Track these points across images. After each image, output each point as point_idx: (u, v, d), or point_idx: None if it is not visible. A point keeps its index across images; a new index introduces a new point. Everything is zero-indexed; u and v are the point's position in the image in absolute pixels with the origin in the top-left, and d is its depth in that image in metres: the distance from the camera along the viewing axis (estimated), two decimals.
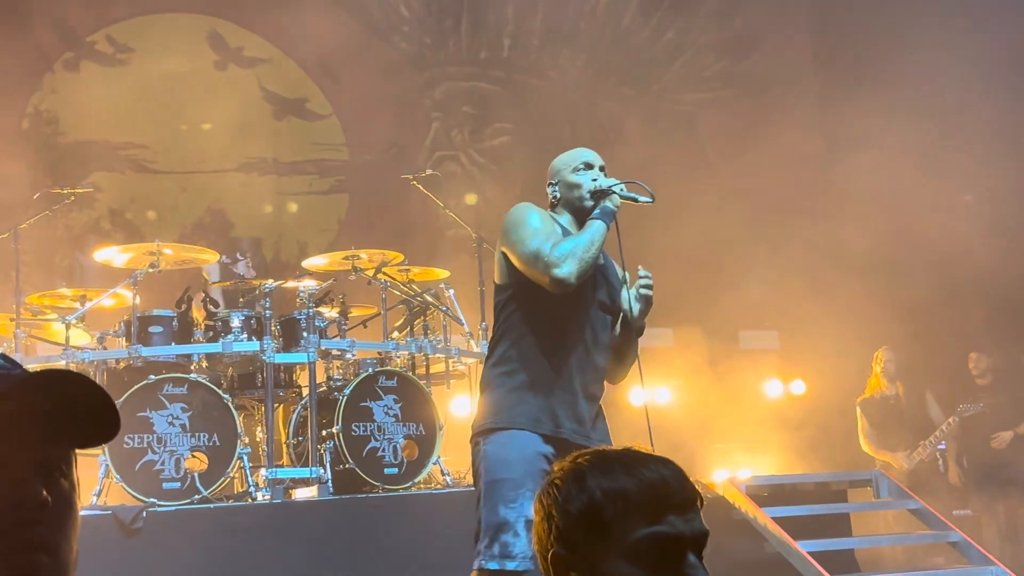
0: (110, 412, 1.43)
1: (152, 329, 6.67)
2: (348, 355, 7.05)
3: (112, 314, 7.30)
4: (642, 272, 4.28)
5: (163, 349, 6.63)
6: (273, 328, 6.74)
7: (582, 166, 4.34)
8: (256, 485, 6.43)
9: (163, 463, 6.16)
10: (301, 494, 6.52)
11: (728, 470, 8.84)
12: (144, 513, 5.80)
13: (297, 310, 6.86)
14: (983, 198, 9.79)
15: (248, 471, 6.46)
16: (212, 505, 6.10)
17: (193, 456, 6.22)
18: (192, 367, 6.75)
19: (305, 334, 6.69)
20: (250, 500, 6.32)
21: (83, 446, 1.47)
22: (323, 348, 6.77)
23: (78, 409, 1.41)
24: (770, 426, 10.10)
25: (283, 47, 11.38)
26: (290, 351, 6.75)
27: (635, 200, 4.21)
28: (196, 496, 6.12)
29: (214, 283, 7.47)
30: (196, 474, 6.18)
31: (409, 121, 11.68)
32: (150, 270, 6.78)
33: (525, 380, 4.09)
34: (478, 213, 11.02)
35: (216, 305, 7.04)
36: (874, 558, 8.21)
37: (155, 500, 6.01)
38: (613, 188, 4.21)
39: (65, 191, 7.37)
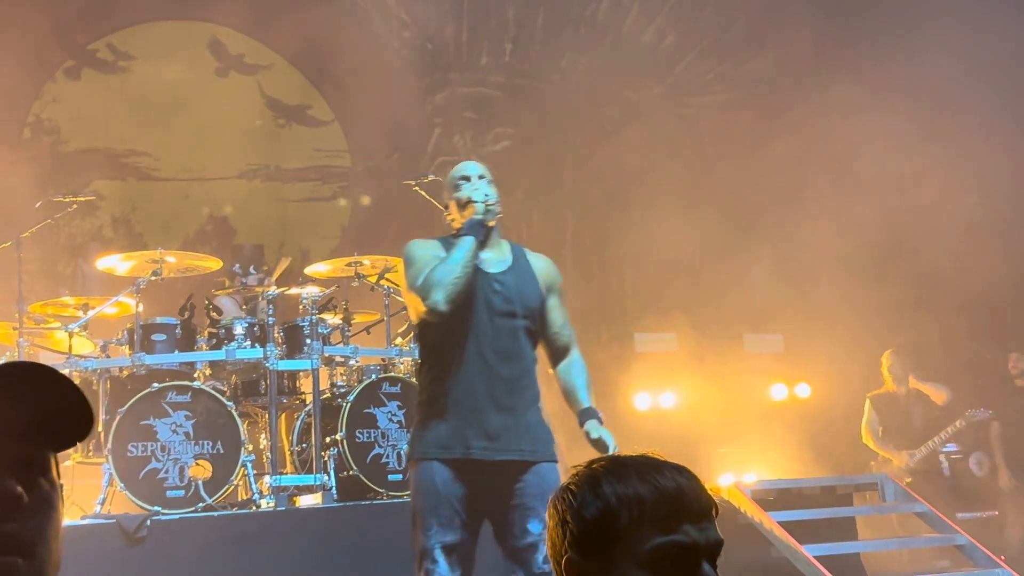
0: (82, 408, 1.40)
1: (155, 337, 6.66)
2: (351, 361, 7.04)
3: (115, 322, 7.29)
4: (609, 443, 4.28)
5: (166, 357, 6.62)
6: (276, 335, 6.72)
7: (460, 181, 4.38)
8: (260, 493, 6.42)
9: (167, 471, 6.14)
10: (305, 501, 6.51)
11: (733, 474, 8.82)
12: (148, 521, 5.79)
13: (300, 317, 6.85)
14: (986, 199, 9.77)
15: (252, 479, 6.44)
16: (216, 513, 6.08)
17: (197, 464, 6.20)
18: (196, 375, 6.74)
19: (308, 341, 6.68)
20: (254, 508, 6.31)
21: (58, 444, 1.43)
22: (326, 355, 6.75)
23: (49, 405, 1.37)
24: (775, 429, 10.08)
25: (284, 54, 11.38)
26: (293, 358, 6.73)
27: (494, 211, 4.28)
28: (200, 504, 6.10)
29: (217, 291, 7.45)
30: (200, 482, 6.16)
31: (411, 127, 11.67)
32: (153, 278, 6.76)
33: (433, 408, 4.20)
34: None
35: (219, 312, 7.03)
36: (880, 562, 8.20)
37: (159, 508, 6.00)
38: (474, 198, 4.25)
39: (67, 199, 7.35)
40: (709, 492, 1.77)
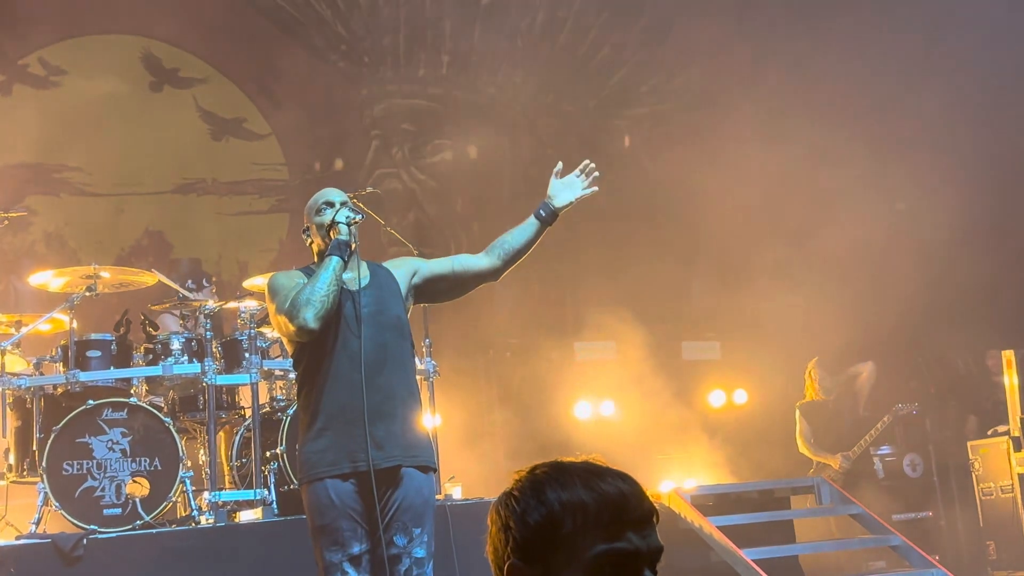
0: None
1: (90, 353, 6.57)
2: (291, 375, 7.01)
3: (49, 339, 7.18)
4: (590, 164, 4.57)
5: (102, 373, 6.53)
6: (214, 350, 6.67)
7: (324, 206, 4.50)
8: (199, 509, 6.36)
9: (103, 489, 6.07)
10: (246, 516, 6.46)
11: (673, 480, 8.91)
12: (85, 540, 5.72)
13: (239, 331, 6.81)
14: (918, 206, 9.97)
15: (191, 495, 6.38)
16: (155, 531, 6.03)
17: (134, 481, 6.14)
18: (132, 391, 6.66)
19: (247, 355, 6.64)
20: (193, 524, 6.25)
21: None
22: (266, 368, 6.72)
23: None
24: (714, 435, 10.20)
25: (219, 67, 11.31)
26: (232, 372, 6.68)
27: (356, 220, 4.41)
28: (138, 522, 6.04)
29: (153, 306, 7.38)
30: (138, 499, 6.09)
31: (349, 139, 11.66)
32: (87, 294, 6.67)
33: (315, 428, 4.30)
34: (420, 230, 11.01)
35: (155, 328, 6.96)
36: (818, 563, 8.32)
37: (96, 527, 5.92)
38: (337, 219, 4.38)
39: None
40: (651, 499, 1.80)
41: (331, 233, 4.40)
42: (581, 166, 4.62)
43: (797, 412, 9.33)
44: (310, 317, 4.18)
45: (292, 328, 4.23)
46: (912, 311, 9.61)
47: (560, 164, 4.64)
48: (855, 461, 9.04)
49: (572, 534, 1.72)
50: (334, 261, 4.28)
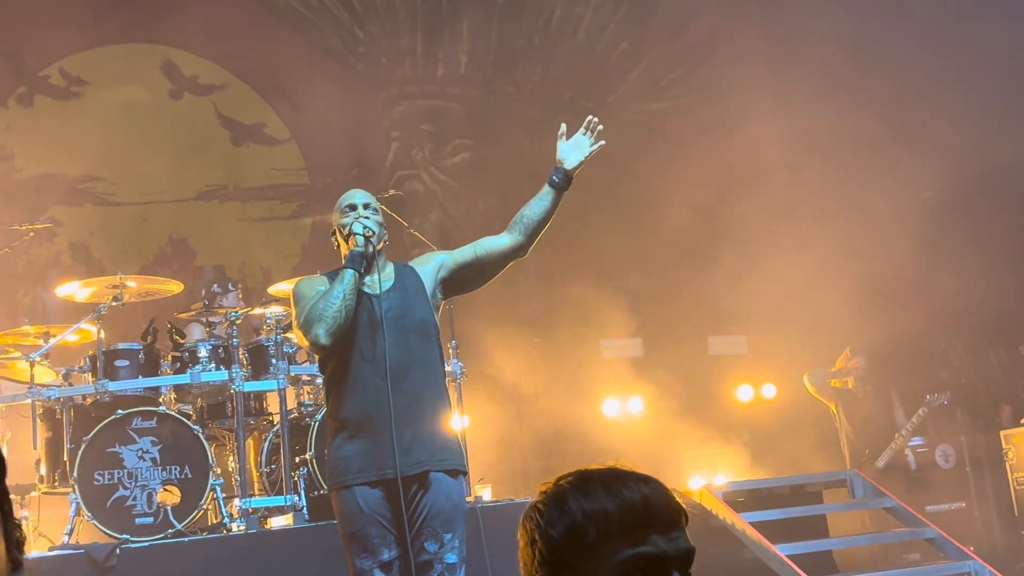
0: None
1: (118, 363, 6.59)
2: (319, 380, 7.00)
3: (77, 349, 7.21)
4: (594, 119, 4.55)
5: (130, 383, 6.55)
6: (241, 356, 6.68)
7: (347, 208, 4.47)
8: (230, 516, 6.37)
9: (135, 498, 6.09)
10: (276, 523, 6.47)
11: (704, 477, 8.86)
12: (118, 550, 5.73)
13: (264, 336, 6.81)
14: (941, 196, 9.88)
15: (222, 502, 6.39)
16: (186, 539, 6.03)
17: (165, 490, 6.15)
18: (161, 399, 6.67)
19: (274, 361, 6.64)
20: (225, 531, 6.26)
21: None
22: (293, 374, 6.71)
23: None
24: (743, 430, 10.14)
25: (238, 73, 11.32)
26: (259, 379, 6.69)
27: (371, 241, 4.37)
28: (170, 530, 6.05)
29: (180, 314, 7.39)
30: (169, 508, 6.11)
31: (369, 142, 11.64)
32: (114, 303, 6.69)
33: (343, 435, 4.30)
34: (443, 230, 11.00)
35: (182, 336, 6.97)
36: (852, 558, 8.26)
37: (128, 536, 5.94)
38: (354, 229, 4.34)
39: (24, 227, 7.28)
40: (677, 500, 1.77)
41: (348, 243, 4.38)
42: (585, 123, 4.57)
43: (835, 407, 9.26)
44: (321, 333, 4.19)
45: (306, 343, 4.29)
46: (943, 301, 9.52)
47: (564, 126, 4.60)
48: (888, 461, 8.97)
49: (596, 542, 1.71)
50: (348, 275, 4.27)
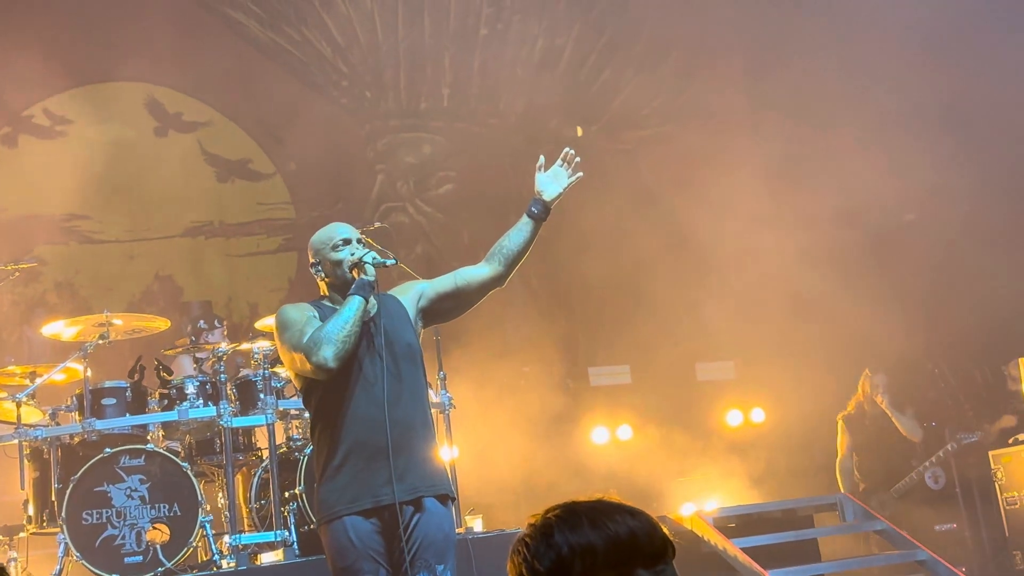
0: None
1: (105, 401, 6.57)
2: (307, 414, 6.98)
3: (64, 389, 7.19)
4: (570, 151, 4.57)
5: (118, 421, 6.53)
6: (229, 392, 6.67)
7: (340, 243, 4.45)
8: (220, 553, 6.34)
9: (124, 537, 6.06)
10: (267, 559, 6.43)
11: (694, 503, 8.85)
12: None
13: (252, 372, 6.80)
14: (926, 217, 9.95)
15: (211, 539, 6.36)
16: None
17: (154, 528, 6.13)
18: (149, 437, 6.65)
19: (262, 396, 6.63)
20: (215, 568, 6.23)
21: None
22: (281, 408, 6.71)
23: None
24: (733, 455, 10.14)
25: (222, 109, 11.36)
26: (248, 414, 6.68)
27: (385, 265, 4.38)
28: (160, 569, 6.02)
29: (167, 351, 7.38)
30: (158, 546, 6.08)
31: (353, 175, 11.68)
32: (100, 342, 6.69)
33: (335, 465, 4.25)
34: (429, 262, 11.02)
35: (169, 373, 6.96)
36: None
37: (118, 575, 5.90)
38: (364, 259, 4.34)
39: (9, 267, 7.27)
40: (664, 532, 1.78)
41: (354, 272, 4.37)
42: (562, 155, 4.61)
43: (839, 424, 9.18)
44: (330, 356, 4.12)
45: (308, 366, 4.17)
46: (928, 321, 9.56)
47: (542, 158, 4.63)
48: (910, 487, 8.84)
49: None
50: (357, 301, 4.24)
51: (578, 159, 4.59)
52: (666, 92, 11.95)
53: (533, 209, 4.53)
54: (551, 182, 4.56)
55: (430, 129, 11.95)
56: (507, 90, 11.90)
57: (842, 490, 8.77)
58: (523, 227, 4.53)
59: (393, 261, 4.40)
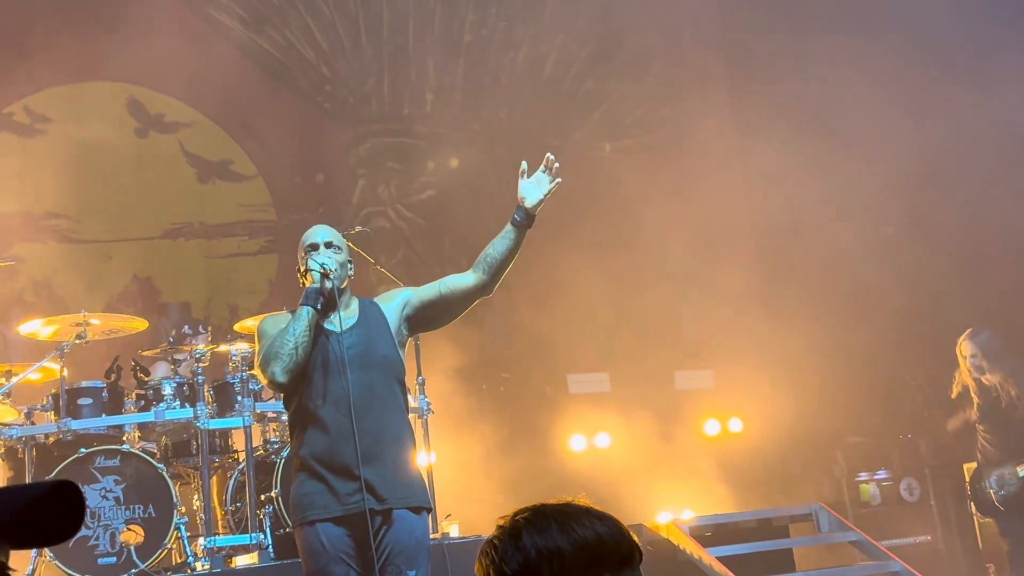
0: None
1: (81, 401, 6.54)
2: (284, 417, 6.97)
3: (39, 388, 7.14)
4: (550, 157, 4.53)
5: (93, 421, 6.50)
6: (206, 393, 6.65)
7: (309, 249, 4.49)
8: (195, 555, 6.31)
9: (97, 538, 6.03)
10: (242, 561, 6.41)
11: (671, 511, 8.87)
12: None
13: (230, 374, 6.78)
14: (903, 230, 10.01)
15: (186, 541, 6.33)
16: None
17: (129, 529, 6.10)
18: (124, 438, 6.62)
19: (239, 398, 6.62)
20: (189, 571, 6.20)
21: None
22: (258, 411, 6.69)
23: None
24: (710, 465, 10.16)
25: (204, 110, 11.32)
26: (225, 416, 6.66)
27: (326, 271, 4.35)
28: (133, 570, 5.99)
29: (144, 352, 7.35)
30: (132, 547, 6.05)
31: (335, 179, 11.67)
32: (77, 341, 6.65)
33: (306, 472, 4.30)
34: (409, 267, 11.01)
35: (146, 373, 6.93)
36: None
37: None
38: (310, 267, 4.37)
39: None
40: (632, 538, 1.79)
41: (305, 279, 4.39)
42: (544, 161, 4.59)
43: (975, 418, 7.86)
44: (278, 371, 4.21)
45: (265, 381, 4.32)
46: (907, 333, 9.62)
47: (525, 164, 4.62)
48: None
49: None
50: (304, 312, 4.29)
51: (557, 165, 4.58)
52: (649, 103, 11.99)
53: (516, 217, 4.53)
54: (533, 188, 4.56)
55: (412, 134, 11.94)
56: (490, 97, 11.91)
57: None
58: (507, 235, 4.52)
59: (331, 284, 4.35)
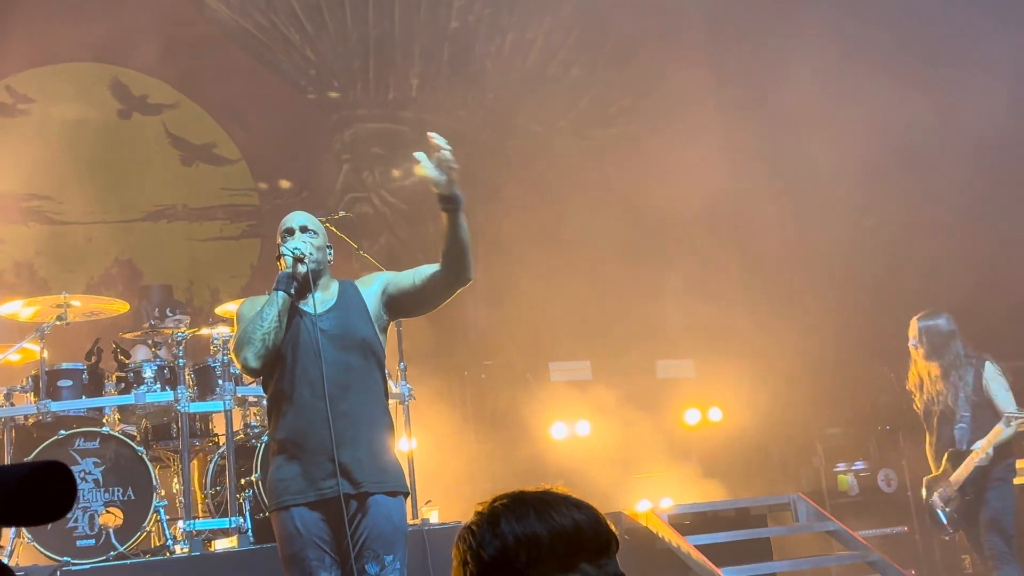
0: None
1: (61, 383, 6.51)
2: (265, 401, 6.96)
3: (19, 369, 7.12)
4: (440, 141, 4.20)
5: (73, 403, 6.48)
6: (187, 377, 6.63)
7: (285, 234, 4.50)
8: (174, 538, 6.30)
9: (76, 520, 6.01)
10: (221, 545, 6.41)
11: (650, 500, 8.90)
12: (58, 573, 5.65)
13: (211, 357, 6.76)
14: (883, 221, 10.06)
15: (165, 524, 6.32)
16: (129, 561, 5.96)
17: (108, 511, 6.08)
18: (104, 420, 6.60)
19: (220, 382, 6.60)
20: (168, 554, 6.19)
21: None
22: (239, 395, 6.67)
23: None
24: (690, 454, 10.20)
25: (189, 93, 11.28)
26: (205, 400, 6.64)
27: (300, 256, 4.35)
28: (112, 552, 5.98)
29: (125, 334, 7.32)
30: (111, 530, 6.03)
31: (319, 163, 11.64)
32: (57, 323, 6.62)
33: (283, 457, 4.30)
34: (392, 253, 11.01)
35: (127, 356, 6.91)
36: None
37: (69, 559, 5.86)
38: (283, 251, 4.38)
39: None
40: (609, 526, 1.80)
41: (280, 264, 4.39)
42: (431, 144, 4.27)
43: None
44: (250, 356, 4.22)
45: (239, 367, 4.36)
46: (885, 325, 9.66)
47: (420, 154, 4.29)
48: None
49: (526, 567, 1.74)
50: (277, 296, 4.28)
51: (438, 140, 4.24)
52: (634, 91, 11.99)
53: (439, 204, 4.28)
54: (433, 171, 4.23)
55: (397, 120, 11.92)
56: (476, 83, 11.90)
57: None
58: (443, 223, 4.29)
59: (305, 269, 4.32)
